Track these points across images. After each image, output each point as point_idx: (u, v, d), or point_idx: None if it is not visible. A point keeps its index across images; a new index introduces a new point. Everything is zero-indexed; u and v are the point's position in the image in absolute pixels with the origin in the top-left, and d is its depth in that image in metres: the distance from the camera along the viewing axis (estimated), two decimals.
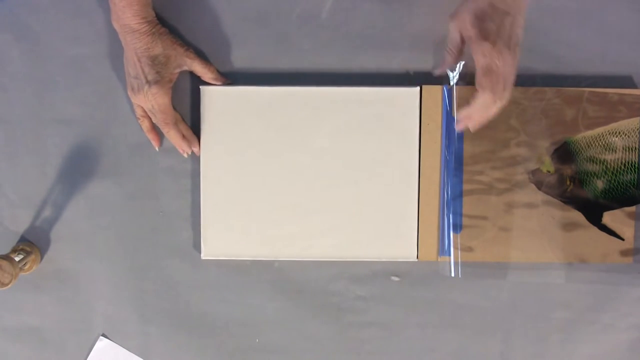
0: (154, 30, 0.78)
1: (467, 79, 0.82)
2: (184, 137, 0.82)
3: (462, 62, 0.82)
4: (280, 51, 0.84)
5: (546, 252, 0.83)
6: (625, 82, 0.83)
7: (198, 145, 0.83)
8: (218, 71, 0.83)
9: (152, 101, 0.78)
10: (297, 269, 0.85)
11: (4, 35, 0.84)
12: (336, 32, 0.83)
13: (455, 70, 0.82)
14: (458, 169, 0.83)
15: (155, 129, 0.83)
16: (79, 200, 0.85)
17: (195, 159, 0.84)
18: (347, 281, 0.85)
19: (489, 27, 0.66)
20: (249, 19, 0.83)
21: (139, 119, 0.82)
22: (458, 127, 0.78)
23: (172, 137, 0.81)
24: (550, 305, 0.85)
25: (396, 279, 0.85)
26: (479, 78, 0.69)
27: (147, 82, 0.78)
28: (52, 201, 0.85)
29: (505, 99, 0.70)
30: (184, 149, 0.83)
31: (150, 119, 0.82)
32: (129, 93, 0.80)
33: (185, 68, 0.82)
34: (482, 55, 0.67)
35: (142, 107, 0.81)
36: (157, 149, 0.84)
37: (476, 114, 0.72)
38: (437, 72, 0.78)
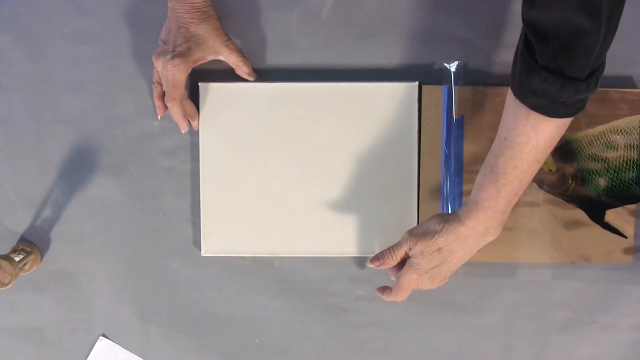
0: (206, 8, 0.78)
1: (468, 78, 0.82)
2: (184, 115, 0.82)
3: (462, 62, 0.82)
4: (280, 48, 0.84)
5: (548, 251, 0.82)
6: (626, 82, 0.82)
7: (197, 120, 0.83)
8: (252, 67, 0.83)
9: (169, 71, 0.77)
10: (297, 269, 0.85)
11: (4, 35, 0.84)
12: (336, 30, 0.83)
13: (454, 67, 0.82)
14: (459, 169, 0.82)
15: (164, 99, 0.82)
16: (79, 200, 0.85)
17: (195, 159, 0.84)
18: (347, 281, 0.85)
19: (423, 265, 0.74)
20: (249, 17, 0.83)
21: (153, 83, 0.82)
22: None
23: (175, 113, 0.81)
24: (550, 305, 0.84)
25: None
26: (394, 286, 0.77)
27: (173, 51, 0.77)
28: (52, 201, 0.85)
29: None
30: (182, 127, 0.82)
31: (163, 87, 0.81)
32: (153, 55, 0.79)
33: (221, 58, 0.81)
34: (404, 279, 0.75)
35: (158, 73, 0.80)
36: (158, 117, 0.83)
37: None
38: (373, 265, 0.78)
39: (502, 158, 0.68)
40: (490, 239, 0.73)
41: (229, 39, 0.81)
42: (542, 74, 0.61)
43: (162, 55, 0.78)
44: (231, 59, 0.82)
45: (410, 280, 0.75)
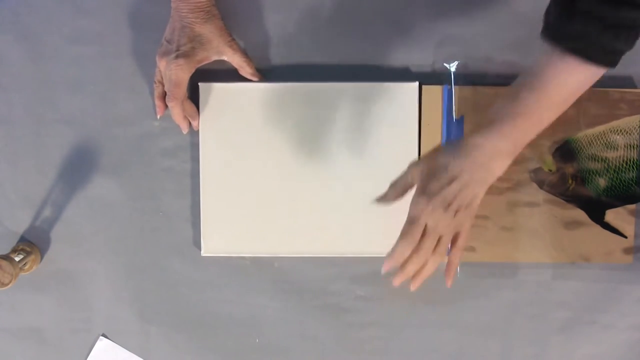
0: (209, 9, 0.78)
1: (468, 79, 0.82)
2: (185, 116, 0.81)
3: (462, 62, 0.82)
4: (280, 48, 0.84)
5: (548, 251, 0.82)
6: (626, 82, 0.82)
7: (198, 120, 0.83)
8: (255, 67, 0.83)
9: (173, 71, 0.77)
10: (297, 269, 0.85)
11: (4, 35, 0.84)
12: (336, 30, 0.83)
13: (454, 67, 0.82)
14: None
15: (164, 99, 0.82)
16: (79, 200, 0.85)
17: (195, 159, 0.84)
18: (347, 281, 0.85)
19: (432, 185, 0.66)
20: (249, 17, 0.83)
21: (155, 82, 0.82)
22: (384, 269, 0.69)
23: (175, 113, 0.80)
24: (550, 305, 0.84)
25: None
26: (404, 226, 0.68)
27: (177, 51, 0.77)
28: (52, 201, 0.85)
29: (439, 256, 0.69)
30: (183, 128, 0.82)
31: (164, 86, 0.81)
32: (157, 54, 0.79)
33: (224, 58, 0.81)
34: (413, 206, 0.67)
35: (161, 73, 0.80)
36: (157, 117, 0.83)
37: (396, 261, 0.68)
38: (380, 201, 0.73)
39: (526, 88, 0.65)
40: (497, 169, 0.67)
41: (233, 39, 0.81)
42: (583, 17, 0.60)
43: (166, 55, 0.78)
44: (235, 60, 0.81)
45: (420, 207, 0.67)
